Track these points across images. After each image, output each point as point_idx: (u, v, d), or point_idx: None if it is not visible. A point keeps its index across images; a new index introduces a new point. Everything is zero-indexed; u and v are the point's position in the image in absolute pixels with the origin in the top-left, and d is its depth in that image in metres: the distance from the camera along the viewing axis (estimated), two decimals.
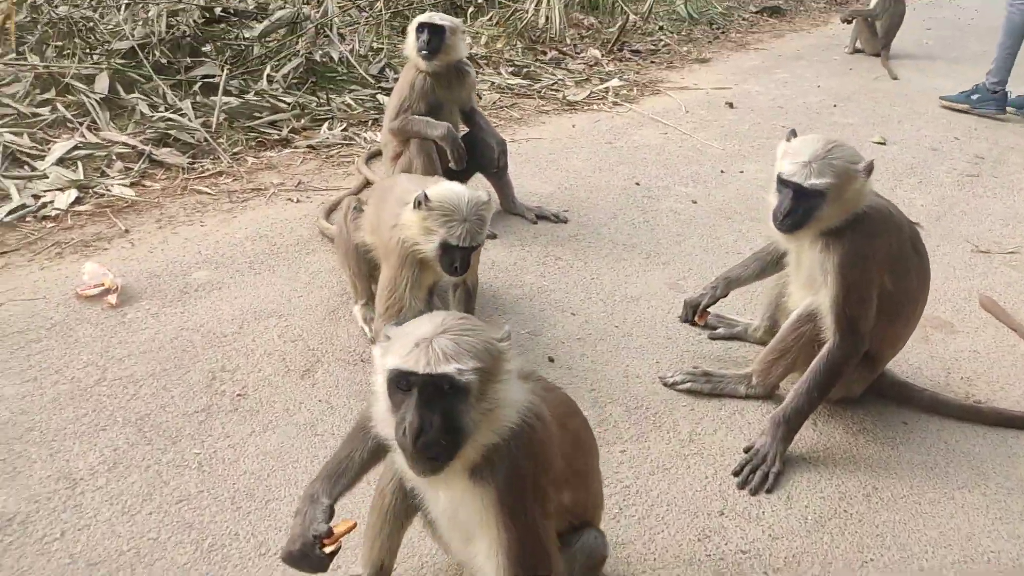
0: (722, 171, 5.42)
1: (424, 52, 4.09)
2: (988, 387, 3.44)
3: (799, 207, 2.82)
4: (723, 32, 9.81)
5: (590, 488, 2.13)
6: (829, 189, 2.78)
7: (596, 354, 3.44)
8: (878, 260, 2.91)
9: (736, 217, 4.77)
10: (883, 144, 6.26)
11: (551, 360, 3.36)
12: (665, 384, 3.26)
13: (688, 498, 2.74)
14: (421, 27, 4.10)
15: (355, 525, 1.87)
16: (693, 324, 3.48)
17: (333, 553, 1.83)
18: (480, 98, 6.07)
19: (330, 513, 1.86)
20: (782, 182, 2.85)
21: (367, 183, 4.57)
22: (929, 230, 4.70)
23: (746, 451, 2.91)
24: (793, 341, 3.02)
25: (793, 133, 2.96)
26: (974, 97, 7.23)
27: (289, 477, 2.61)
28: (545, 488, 1.82)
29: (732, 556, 2.53)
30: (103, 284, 3.41)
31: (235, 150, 4.90)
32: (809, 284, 2.99)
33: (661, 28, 9.18)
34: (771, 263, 3.29)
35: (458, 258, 2.95)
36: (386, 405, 1.72)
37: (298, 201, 4.46)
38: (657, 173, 5.27)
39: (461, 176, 4.06)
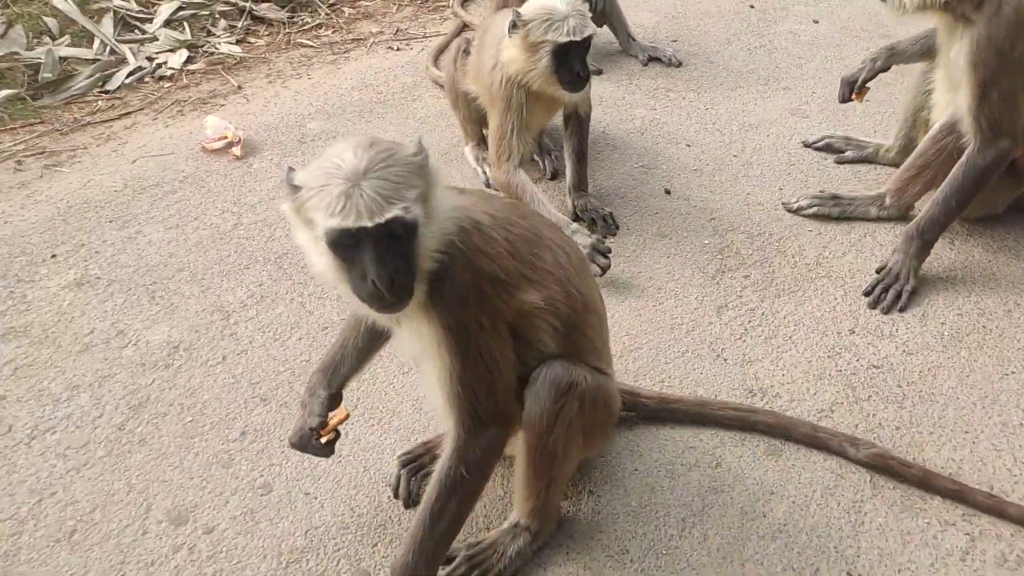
0: None
1: None
2: None
3: None
4: None
5: (568, 292, 1.88)
6: None
7: (714, 184, 3.34)
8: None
9: (863, 35, 4.40)
10: None
11: (667, 192, 3.29)
12: (789, 210, 3.15)
13: (816, 318, 2.70)
14: None
15: (348, 415, 1.92)
16: (845, 109, 3.11)
17: (332, 441, 1.88)
18: None
19: (329, 403, 1.90)
20: None
21: (465, 27, 4.45)
22: None
23: (878, 271, 2.81)
24: (934, 155, 2.82)
25: None
26: None
27: None
28: (492, 297, 1.73)
29: (864, 371, 2.51)
30: (226, 137, 3.52)
31: (331, 1, 4.83)
32: (952, 86, 2.73)
33: None
34: (936, 47, 2.87)
35: (576, 60, 2.82)
36: (330, 263, 1.60)
37: (398, 49, 4.41)
38: None
39: None
